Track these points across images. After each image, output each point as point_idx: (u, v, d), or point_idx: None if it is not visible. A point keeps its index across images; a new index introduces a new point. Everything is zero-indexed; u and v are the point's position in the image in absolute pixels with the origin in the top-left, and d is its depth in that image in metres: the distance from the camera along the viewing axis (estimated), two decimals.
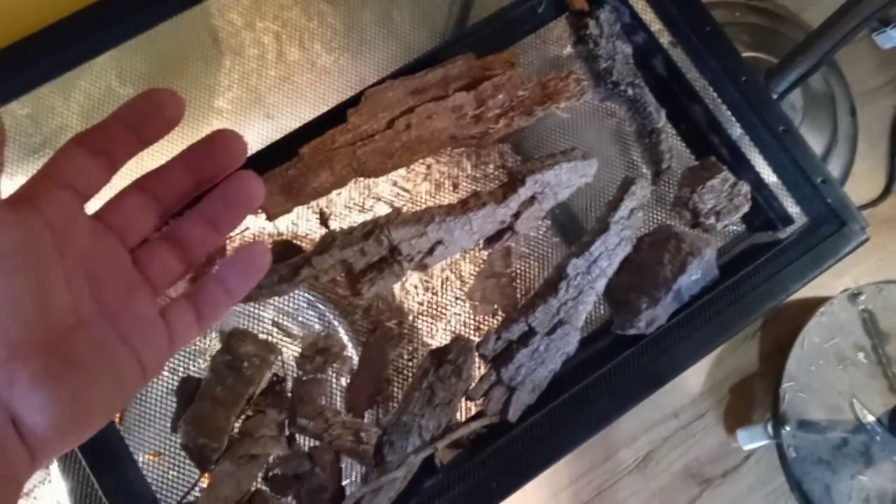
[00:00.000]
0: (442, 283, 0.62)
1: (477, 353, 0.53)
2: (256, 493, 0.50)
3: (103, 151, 0.23)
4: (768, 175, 0.59)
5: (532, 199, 0.54)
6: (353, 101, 0.56)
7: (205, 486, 0.51)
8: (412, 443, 0.49)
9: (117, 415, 0.57)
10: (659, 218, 0.61)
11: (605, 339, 0.56)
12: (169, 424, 0.52)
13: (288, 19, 0.66)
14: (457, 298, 0.61)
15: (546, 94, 0.58)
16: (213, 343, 0.57)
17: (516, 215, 0.53)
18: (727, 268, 0.57)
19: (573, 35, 0.62)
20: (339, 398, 0.57)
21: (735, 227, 0.60)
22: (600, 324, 0.58)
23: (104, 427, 0.51)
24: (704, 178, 0.56)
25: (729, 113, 0.60)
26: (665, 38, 0.62)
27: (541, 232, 0.61)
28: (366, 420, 0.54)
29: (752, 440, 1.04)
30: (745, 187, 0.57)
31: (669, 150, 0.60)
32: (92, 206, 0.24)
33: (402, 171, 0.64)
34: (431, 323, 0.61)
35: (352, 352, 0.58)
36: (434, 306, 0.61)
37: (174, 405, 0.52)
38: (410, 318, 0.61)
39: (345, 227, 0.50)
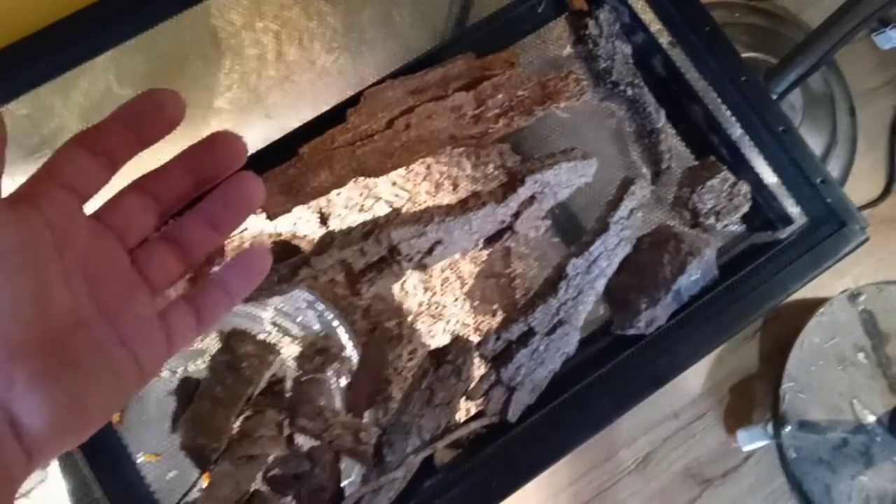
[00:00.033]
0: (441, 284, 0.62)
1: (476, 354, 0.53)
2: (256, 494, 0.50)
3: (103, 151, 0.23)
4: (768, 175, 0.59)
5: (532, 199, 0.54)
6: (353, 101, 0.56)
7: (204, 486, 0.51)
8: (412, 443, 0.49)
9: (117, 415, 0.57)
10: (658, 218, 0.61)
11: (604, 340, 0.56)
12: (168, 425, 0.52)
13: (288, 19, 0.66)
14: (456, 299, 0.61)
15: (546, 94, 0.58)
16: (212, 343, 0.57)
17: (516, 215, 0.53)
18: (727, 268, 0.57)
19: (573, 35, 0.62)
20: (338, 398, 0.57)
21: (735, 228, 0.60)
22: (600, 324, 0.58)
23: (103, 427, 0.51)
24: (704, 178, 0.56)
25: (728, 113, 0.60)
26: (664, 39, 0.62)
27: (540, 232, 0.61)
28: (365, 420, 0.54)
29: (752, 440, 1.04)
30: (744, 187, 0.57)
31: (669, 150, 0.60)
32: (91, 206, 0.24)
33: (401, 172, 0.64)
34: (431, 323, 0.61)
35: (351, 352, 0.58)
36: (433, 307, 0.61)
37: (174, 405, 0.52)
38: (410, 318, 0.61)
39: (344, 227, 0.50)
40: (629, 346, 0.54)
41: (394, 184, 0.64)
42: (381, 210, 0.62)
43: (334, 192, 0.56)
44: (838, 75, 1.18)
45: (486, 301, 0.60)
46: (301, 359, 0.54)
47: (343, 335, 0.58)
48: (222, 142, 0.25)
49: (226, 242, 0.63)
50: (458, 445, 0.53)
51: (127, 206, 0.24)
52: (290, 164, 0.54)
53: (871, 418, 1.01)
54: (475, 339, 0.54)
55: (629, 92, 0.60)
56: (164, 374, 0.59)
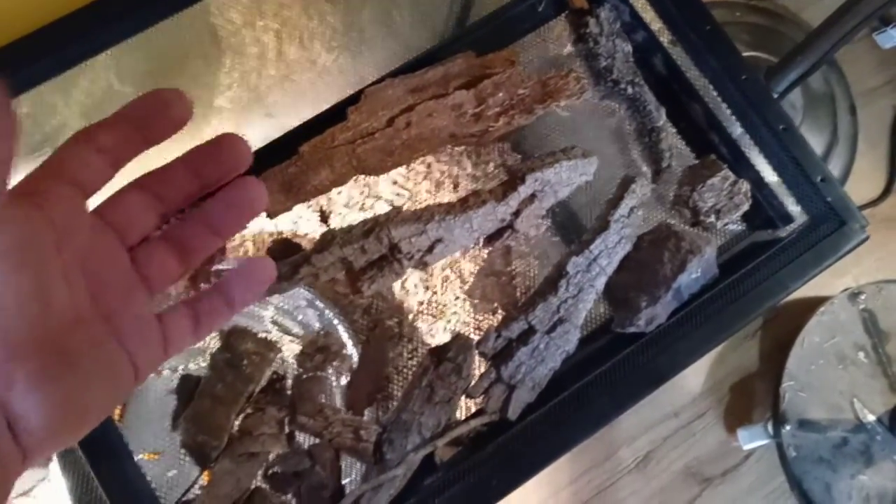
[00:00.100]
0: (442, 282, 0.62)
1: (477, 351, 0.53)
2: (256, 491, 0.50)
3: (108, 148, 0.23)
4: (768, 174, 0.59)
5: (532, 198, 0.54)
6: (353, 100, 0.56)
7: (205, 483, 0.51)
8: (412, 441, 0.49)
9: (118, 412, 0.57)
10: (659, 216, 0.61)
11: (604, 338, 0.56)
12: (169, 423, 0.52)
13: (288, 18, 0.66)
14: (457, 297, 0.61)
15: (546, 93, 0.58)
16: (213, 341, 0.57)
17: (516, 213, 0.53)
18: (727, 266, 0.57)
19: (573, 33, 0.62)
20: (338, 396, 0.57)
21: (735, 226, 0.60)
22: (600, 322, 0.58)
23: (104, 425, 0.51)
24: (704, 177, 0.56)
25: (729, 111, 0.60)
26: (665, 37, 0.62)
27: (541, 230, 0.61)
28: (365, 418, 0.54)
29: (753, 439, 1.04)
30: (745, 186, 0.57)
31: (669, 148, 0.60)
32: (91, 203, 0.24)
33: (402, 170, 0.64)
34: (431, 322, 0.61)
35: (351, 350, 0.58)
36: (434, 305, 0.61)
37: (174, 403, 0.52)
38: (410, 316, 0.61)
39: (345, 225, 0.50)
40: (629, 344, 0.54)
41: (394, 182, 0.64)
42: (382, 209, 0.62)
43: (335, 190, 0.56)
44: (839, 74, 1.18)
45: (486, 299, 0.60)
46: (301, 357, 0.54)
47: (343, 333, 0.58)
48: (228, 144, 0.25)
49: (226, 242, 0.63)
50: (458, 443, 0.53)
51: (129, 204, 0.24)
52: (290, 163, 0.54)
53: (871, 417, 1.01)
54: (475, 337, 0.54)
55: (629, 90, 0.60)
56: (165, 372, 0.59)
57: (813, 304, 1.07)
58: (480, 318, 0.60)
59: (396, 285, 0.62)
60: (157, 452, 0.54)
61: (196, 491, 0.51)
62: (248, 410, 0.52)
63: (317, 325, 0.59)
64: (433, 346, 0.54)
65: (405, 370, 0.58)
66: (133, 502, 0.49)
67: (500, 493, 0.50)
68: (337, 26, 0.66)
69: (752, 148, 0.59)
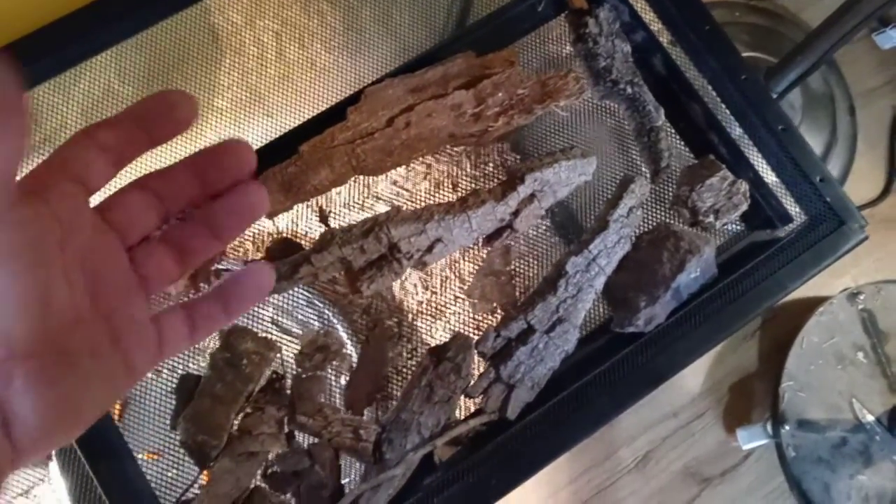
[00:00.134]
0: (441, 283, 0.62)
1: (476, 351, 0.53)
2: (255, 491, 0.50)
3: (112, 146, 0.23)
4: (767, 174, 0.59)
5: (531, 198, 0.54)
6: (353, 99, 0.56)
7: (204, 483, 0.51)
8: (411, 440, 0.49)
9: (117, 413, 0.57)
10: (658, 216, 0.61)
11: (603, 338, 0.56)
12: (168, 422, 0.52)
13: (288, 18, 0.66)
14: (456, 297, 0.61)
15: (545, 93, 0.58)
16: (212, 341, 0.57)
17: (515, 213, 0.53)
18: (726, 266, 0.57)
19: (572, 33, 0.62)
20: (338, 396, 0.57)
21: (734, 226, 0.61)
22: (599, 322, 0.58)
23: (103, 425, 0.51)
24: (703, 177, 0.57)
25: (728, 112, 0.60)
26: (664, 37, 0.62)
27: (540, 230, 0.61)
28: (365, 417, 0.54)
29: (752, 439, 1.04)
30: (743, 186, 0.57)
31: (668, 148, 0.60)
32: (92, 201, 0.24)
33: (401, 171, 0.64)
34: (431, 322, 0.61)
35: (351, 349, 0.58)
36: (433, 305, 0.61)
37: (173, 404, 0.52)
38: (410, 316, 0.61)
39: (344, 225, 0.51)
40: (628, 344, 0.54)
41: (394, 183, 0.64)
42: (382, 209, 0.62)
43: (334, 190, 0.56)
44: (838, 75, 1.18)
45: (485, 299, 0.60)
46: (301, 356, 0.54)
47: (343, 332, 0.58)
48: (233, 150, 0.25)
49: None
50: (457, 443, 0.53)
51: (130, 203, 0.24)
52: (289, 162, 0.54)
53: (870, 417, 1.01)
54: (475, 336, 0.54)
55: (629, 90, 0.60)
56: (164, 371, 0.59)
57: (812, 305, 1.07)
58: (479, 317, 0.60)
59: (396, 285, 0.62)
60: (157, 452, 0.54)
61: (195, 490, 0.52)
62: (248, 410, 0.52)
63: (316, 325, 0.59)
64: (432, 345, 0.54)
65: (404, 370, 0.58)
66: (132, 502, 0.50)
67: (499, 493, 0.50)
68: (336, 26, 0.66)
69: (751, 148, 0.59)
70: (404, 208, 0.52)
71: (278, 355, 0.53)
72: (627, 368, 0.53)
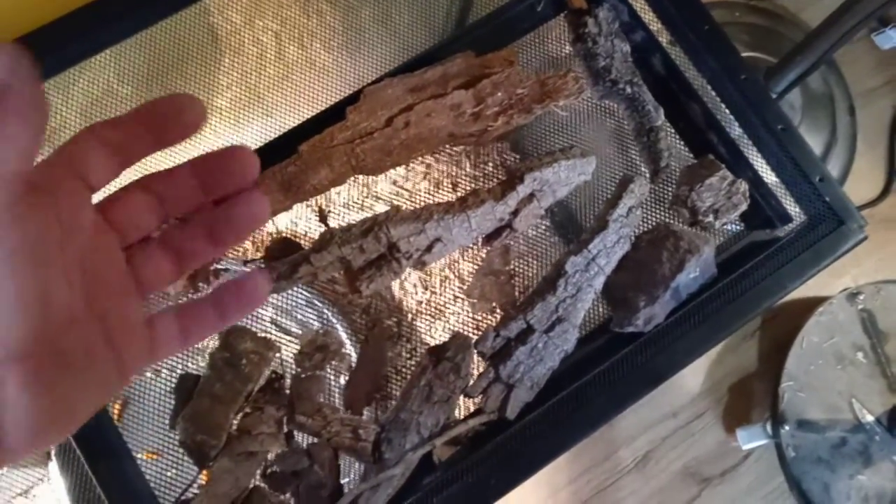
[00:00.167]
0: (441, 282, 0.62)
1: (475, 351, 0.53)
2: (255, 490, 0.50)
3: (117, 145, 0.23)
4: (767, 173, 0.59)
5: (531, 197, 0.54)
6: (353, 99, 0.56)
7: (203, 483, 0.51)
8: (410, 440, 0.49)
9: (116, 413, 0.57)
10: (657, 216, 0.61)
11: (603, 337, 0.56)
12: (167, 422, 0.52)
13: (287, 18, 0.66)
14: (456, 297, 0.61)
15: (545, 93, 0.58)
16: (211, 340, 0.57)
17: (515, 213, 0.53)
18: (725, 266, 0.57)
19: (572, 33, 0.62)
20: (337, 395, 0.57)
21: (733, 226, 0.61)
22: (599, 322, 0.58)
23: (102, 425, 0.51)
24: (703, 177, 0.57)
25: (727, 111, 0.60)
26: (664, 37, 0.62)
27: (539, 230, 0.61)
28: (364, 417, 0.54)
29: (751, 439, 1.04)
30: (743, 185, 0.57)
31: (668, 148, 0.60)
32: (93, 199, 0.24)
33: (401, 171, 0.64)
34: (430, 321, 0.61)
35: (350, 349, 0.58)
36: (433, 305, 0.61)
37: (173, 403, 0.52)
38: (409, 316, 0.61)
39: (343, 224, 0.51)
40: (628, 343, 0.54)
41: (394, 183, 0.64)
42: (381, 209, 0.62)
43: (334, 190, 0.56)
44: (838, 75, 1.18)
45: (484, 299, 0.60)
46: (300, 356, 0.54)
47: (342, 332, 0.58)
48: (238, 156, 0.25)
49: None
50: (456, 442, 0.53)
51: (131, 203, 0.24)
52: (289, 162, 0.54)
53: (869, 417, 1.01)
54: (474, 336, 0.54)
55: (628, 90, 0.60)
56: (164, 371, 0.59)
57: (812, 305, 1.07)
58: (479, 317, 0.60)
59: (395, 285, 0.62)
60: (156, 452, 0.54)
61: (195, 490, 0.51)
62: (247, 410, 0.52)
63: (316, 325, 0.59)
64: (432, 345, 0.54)
65: (404, 370, 0.58)
66: (132, 502, 0.50)
67: (498, 493, 0.50)
68: (336, 26, 0.66)
69: (750, 148, 0.59)
70: (404, 208, 0.52)
71: (277, 355, 0.53)
72: (627, 368, 0.53)
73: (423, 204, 0.60)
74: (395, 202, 0.63)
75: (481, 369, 0.53)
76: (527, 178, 0.52)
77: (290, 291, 0.59)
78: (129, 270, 0.24)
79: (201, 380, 0.51)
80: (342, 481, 0.52)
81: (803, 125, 1.13)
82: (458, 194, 0.61)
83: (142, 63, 0.61)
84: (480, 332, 0.53)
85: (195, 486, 0.52)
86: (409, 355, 0.59)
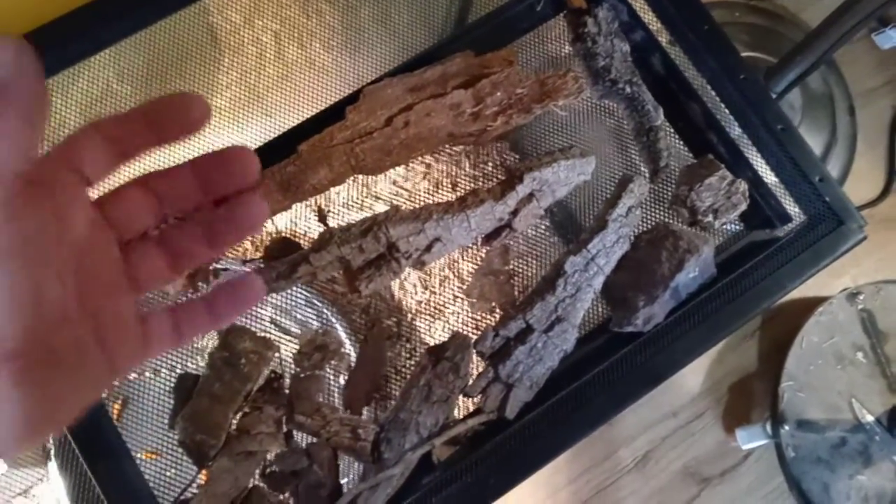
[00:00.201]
0: (440, 282, 0.62)
1: (475, 351, 0.53)
2: (254, 490, 0.50)
3: (118, 139, 0.22)
4: (766, 173, 0.59)
5: (530, 197, 0.54)
6: (352, 99, 0.56)
7: (202, 482, 0.51)
8: (410, 440, 0.49)
9: (115, 413, 0.57)
10: (657, 216, 0.61)
11: (602, 337, 0.56)
12: (167, 422, 0.52)
13: (287, 17, 0.66)
14: (455, 297, 0.61)
15: (544, 92, 0.58)
16: (211, 340, 0.57)
17: (514, 213, 0.53)
18: (725, 266, 0.57)
19: (571, 33, 0.62)
20: (336, 395, 0.57)
21: (733, 226, 0.61)
22: (598, 321, 0.58)
23: (102, 425, 0.51)
24: (702, 176, 0.56)
25: (727, 111, 0.60)
26: (664, 37, 0.62)
27: (539, 230, 0.61)
28: (363, 417, 0.54)
29: (751, 439, 1.04)
30: (742, 185, 0.57)
31: (667, 148, 0.60)
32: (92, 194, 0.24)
33: (401, 170, 0.64)
34: (430, 321, 0.61)
35: (349, 349, 0.58)
36: (432, 305, 0.61)
37: (172, 403, 0.52)
38: (409, 316, 0.61)
39: (343, 224, 0.51)
40: (627, 343, 0.54)
41: (394, 182, 0.64)
42: (381, 208, 0.62)
43: (334, 190, 0.56)
44: (838, 75, 1.18)
45: (484, 299, 0.60)
46: (299, 355, 0.54)
47: (342, 332, 0.58)
48: (238, 157, 0.25)
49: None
50: (455, 442, 0.53)
51: (130, 200, 0.24)
52: (288, 162, 0.54)
53: (869, 417, 1.01)
54: (474, 336, 0.54)
55: (627, 90, 0.60)
56: (163, 371, 0.59)
57: (811, 305, 1.07)
58: (478, 317, 0.60)
59: (395, 285, 0.62)
60: (155, 452, 0.54)
61: (194, 490, 0.51)
62: (246, 409, 0.52)
63: (315, 324, 0.59)
64: (431, 345, 0.54)
65: (403, 369, 0.58)
66: (131, 501, 0.50)
67: (497, 493, 0.50)
68: (336, 26, 0.66)
69: (750, 148, 0.59)
70: (403, 208, 0.52)
71: (276, 354, 0.53)
72: (626, 368, 0.53)
73: (422, 204, 0.60)
74: (395, 202, 0.63)
75: (480, 369, 0.53)
76: (526, 178, 0.52)
77: (289, 291, 0.59)
78: (124, 268, 0.24)
79: (200, 379, 0.51)
80: (341, 481, 0.52)
81: (803, 125, 1.13)
82: (458, 194, 0.61)
83: (141, 62, 0.61)
84: (480, 332, 0.53)
85: (194, 485, 0.52)
86: (408, 355, 0.59)
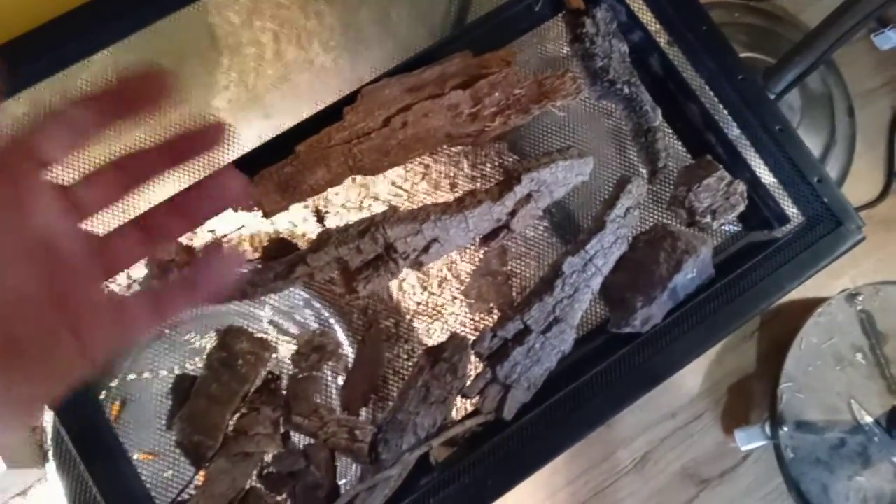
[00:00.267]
0: (438, 283, 0.62)
1: (472, 352, 0.52)
2: (251, 491, 0.50)
3: (72, 120, 0.22)
4: (765, 174, 0.59)
5: (528, 197, 0.54)
6: (350, 99, 0.56)
7: (200, 483, 0.51)
8: (407, 441, 0.49)
9: (113, 413, 0.57)
10: (655, 216, 0.61)
11: (600, 338, 0.56)
12: (164, 423, 0.52)
13: (286, 18, 0.66)
14: (453, 298, 0.61)
15: (542, 93, 0.58)
16: (209, 341, 0.57)
17: (512, 213, 0.53)
18: (723, 267, 0.57)
19: (569, 33, 0.62)
20: (334, 396, 0.57)
21: (731, 226, 0.60)
22: (596, 322, 0.58)
23: (100, 426, 0.51)
24: (700, 177, 0.56)
25: (725, 112, 0.60)
26: (662, 38, 0.62)
27: (537, 230, 0.61)
28: (361, 418, 0.54)
29: (750, 441, 1.03)
30: (741, 186, 0.57)
31: (665, 148, 0.60)
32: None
33: (399, 171, 0.64)
34: (428, 322, 0.61)
35: (347, 349, 0.58)
36: (430, 305, 0.61)
37: (169, 404, 0.52)
38: (407, 317, 0.61)
39: (341, 225, 0.50)
40: (625, 344, 0.54)
41: (392, 183, 0.64)
42: (380, 209, 0.62)
43: (332, 190, 0.56)
44: (837, 75, 1.18)
45: (482, 299, 0.60)
46: (297, 356, 0.54)
47: (339, 333, 0.58)
48: (205, 126, 0.24)
49: (222, 240, 0.63)
50: (453, 443, 0.53)
51: (98, 182, 0.24)
52: (286, 162, 0.54)
53: (868, 419, 1.01)
54: (471, 337, 0.54)
55: (626, 90, 0.60)
56: (162, 372, 0.59)
57: (810, 306, 1.07)
58: (476, 318, 0.60)
59: (393, 286, 0.62)
60: (153, 453, 0.54)
61: (191, 491, 0.51)
62: (243, 410, 0.52)
63: (313, 325, 0.59)
64: (429, 346, 0.54)
65: (401, 370, 0.58)
66: (128, 503, 0.49)
67: (495, 494, 0.50)
68: (334, 26, 0.66)
69: (748, 148, 0.59)
70: (401, 208, 0.52)
71: (274, 355, 0.53)
72: (624, 369, 0.53)
73: (420, 204, 0.60)
74: (393, 202, 0.63)
75: (478, 370, 0.53)
76: (524, 179, 0.52)
77: (287, 292, 0.59)
78: (94, 249, 0.24)
79: (198, 380, 0.51)
80: (339, 482, 0.52)
81: (802, 126, 1.13)
82: (456, 195, 0.61)
83: (140, 63, 0.61)
84: (478, 333, 0.53)
85: (192, 486, 0.52)
86: (406, 356, 0.59)
